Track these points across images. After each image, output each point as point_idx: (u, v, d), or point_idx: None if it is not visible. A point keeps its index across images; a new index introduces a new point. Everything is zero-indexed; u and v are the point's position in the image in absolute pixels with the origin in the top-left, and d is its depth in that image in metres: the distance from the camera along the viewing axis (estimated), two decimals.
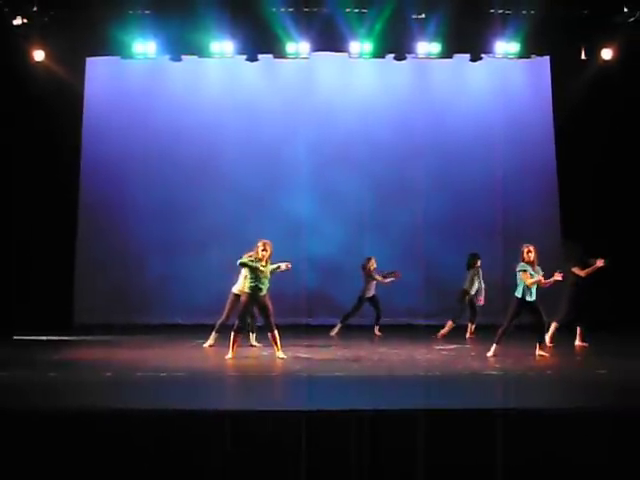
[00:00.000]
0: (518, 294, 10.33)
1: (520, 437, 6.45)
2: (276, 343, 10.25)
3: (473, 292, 12.95)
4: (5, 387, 8.11)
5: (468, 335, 12.96)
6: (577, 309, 11.58)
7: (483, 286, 12.96)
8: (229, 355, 10.19)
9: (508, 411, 6.75)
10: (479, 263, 12.99)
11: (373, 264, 13.43)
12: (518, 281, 10.33)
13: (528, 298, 10.28)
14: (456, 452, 6.41)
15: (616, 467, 6.41)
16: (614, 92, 13.94)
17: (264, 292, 10.20)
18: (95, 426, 6.44)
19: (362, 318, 13.59)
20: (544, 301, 10.64)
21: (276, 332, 10.21)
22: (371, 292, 13.49)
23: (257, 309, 10.50)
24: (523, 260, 10.33)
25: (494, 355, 10.34)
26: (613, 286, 12.79)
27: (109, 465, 6.26)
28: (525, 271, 10.23)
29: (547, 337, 11.27)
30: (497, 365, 9.82)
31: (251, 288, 10.14)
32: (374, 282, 13.43)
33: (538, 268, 10.34)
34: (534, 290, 10.30)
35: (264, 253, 10.14)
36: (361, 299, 13.43)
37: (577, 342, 11.59)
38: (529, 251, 10.33)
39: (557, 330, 11.53)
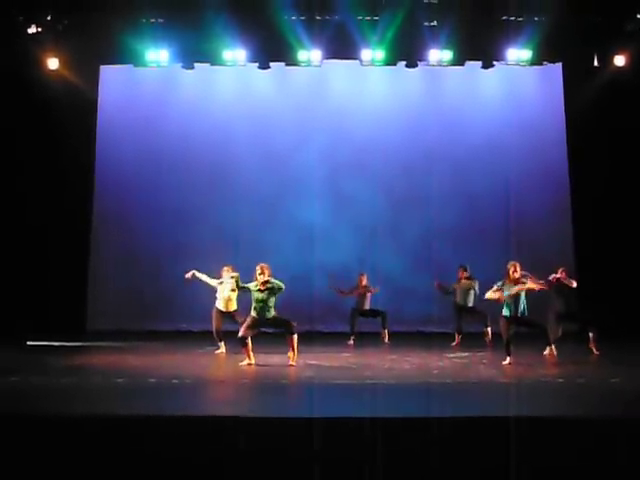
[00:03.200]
0: (503, 312, 10.45)
1: (533, 445, 6.41)
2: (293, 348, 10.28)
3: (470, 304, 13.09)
4: (17, 392, 8.14)
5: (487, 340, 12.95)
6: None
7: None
8: (247, 362, 10.22)
9: (521, 419, 6.72)
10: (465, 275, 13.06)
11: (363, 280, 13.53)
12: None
13: (509, 314, 10.34)
14: (468, 460, 6.38)
15: (629, 475, 6.37)
16: (627, 99, 13.92)
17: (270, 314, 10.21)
18: (106, 432, 6.45)
19: (373, 325, 13.57)
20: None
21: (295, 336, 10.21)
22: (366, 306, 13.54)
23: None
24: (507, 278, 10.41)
25: (509, 363, 10.32)
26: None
27: (120, 471, 6.28)
28: (496, 289, 10.42)
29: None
30: (509, 373, 9.78)
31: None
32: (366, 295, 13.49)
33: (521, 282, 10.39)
34: (512, 305, 10.32)
35: (261, 277, 10.14)
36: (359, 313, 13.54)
37: (591, 346, 11.52)
38: (514, 270, 10.37)
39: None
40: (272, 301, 10.15)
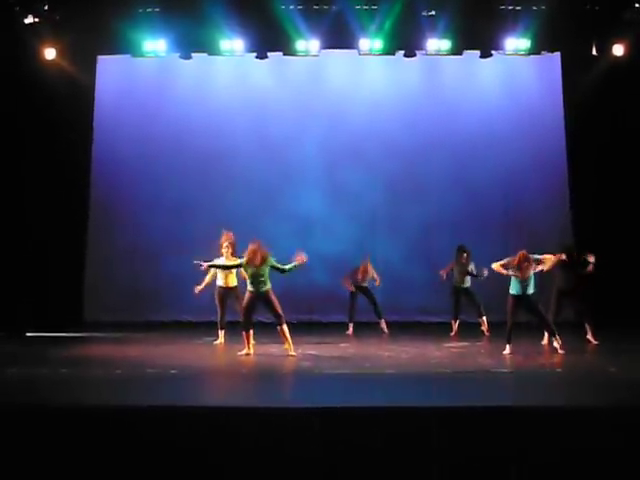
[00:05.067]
0: (510, 290, 10.44)
1: (531, 434, 6.43)
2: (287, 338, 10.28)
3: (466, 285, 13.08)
4: (16, 383, 8.15)
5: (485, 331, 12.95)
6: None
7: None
8: (245, 352, 10.23)
9: (519, 409, 6.73)
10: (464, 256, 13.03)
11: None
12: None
13: (517, 292, 10.33)
14: (467, 449, 6.39)
15: (626, 464, 6.39)
16: (625, 88, 13.89)
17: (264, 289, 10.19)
18: (105, 423, 6.46)
19: (372, 315, 13.57)
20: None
21: (285, 327, 10.22)
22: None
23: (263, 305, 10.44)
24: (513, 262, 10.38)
25: (510, 353, 10.32)
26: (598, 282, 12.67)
27: (118, 461, 6.29)
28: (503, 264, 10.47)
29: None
30: (507, 363, 9.80)
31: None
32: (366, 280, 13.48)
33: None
34: (521, 285, 10.30)
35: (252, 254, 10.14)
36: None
37: (588, 337, 11.54)
38: (525, 260, 10.31)
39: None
40: (267, 273, 10.13)
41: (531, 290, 10.37)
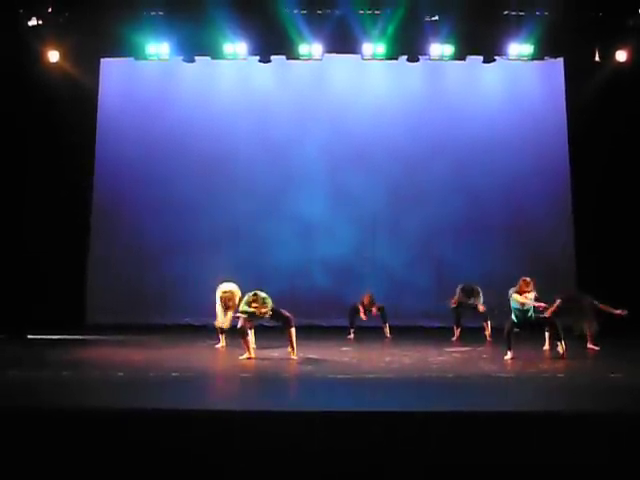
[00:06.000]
0: (512, 316, 10.44)
1: (532, 440, 6.42)
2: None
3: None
4: (18, 386, 8.14)
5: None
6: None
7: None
8: (247, 356, 10.22)
9: (520, 414, 6.73)
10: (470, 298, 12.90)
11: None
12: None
13: (517, 321, 10.33)
14: (467, 454, 6.39)
15: (628, 470, 6.37)
16: (628, 94, 13.90)
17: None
18: (106, 426, 6.46)
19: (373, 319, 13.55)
20: None
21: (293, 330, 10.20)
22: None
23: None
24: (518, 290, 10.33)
25: (511, 358, 10.31)
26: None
27: (119, 464, 6.28)
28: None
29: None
30: (509, 368, 9.79)
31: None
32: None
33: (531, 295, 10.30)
34: (521, 316, 10.28)
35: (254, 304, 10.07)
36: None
37: (589, 345, 11.53)
38: (526, 285, 10.27)
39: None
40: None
41: (530, 317, 10.31)
